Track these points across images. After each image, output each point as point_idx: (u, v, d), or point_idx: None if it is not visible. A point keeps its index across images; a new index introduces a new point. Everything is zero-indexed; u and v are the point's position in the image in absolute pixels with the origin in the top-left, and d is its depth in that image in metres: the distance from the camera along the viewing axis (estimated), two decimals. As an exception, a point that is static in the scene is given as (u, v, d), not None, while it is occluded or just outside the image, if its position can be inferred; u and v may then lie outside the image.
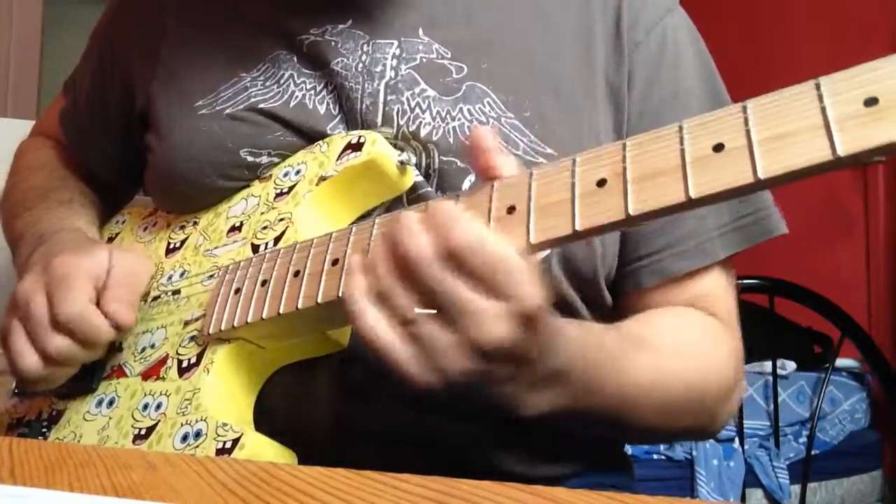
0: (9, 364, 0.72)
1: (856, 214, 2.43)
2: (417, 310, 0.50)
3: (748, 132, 0.43)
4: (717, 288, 0.74)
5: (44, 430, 0.75)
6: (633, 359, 0.65)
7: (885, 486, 2.15)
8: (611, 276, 0.74)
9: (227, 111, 0.75)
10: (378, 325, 0.52)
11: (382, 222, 0.59)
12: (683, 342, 0.70)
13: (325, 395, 0.69)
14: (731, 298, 0.76)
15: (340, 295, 0.57)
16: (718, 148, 0.44)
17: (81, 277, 0.70)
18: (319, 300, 0.59)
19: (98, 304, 0.71)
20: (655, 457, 1.82)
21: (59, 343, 0.69)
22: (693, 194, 0.44)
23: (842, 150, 0.40)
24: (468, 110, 0.71)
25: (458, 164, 0.70)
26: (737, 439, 1.80)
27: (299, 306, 0.60)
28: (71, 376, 0.73)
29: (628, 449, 1.76)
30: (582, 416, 0.63)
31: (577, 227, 0.49)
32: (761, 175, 0.42)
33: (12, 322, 0.71)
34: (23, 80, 2.37)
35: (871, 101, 0.40)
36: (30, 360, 0.69)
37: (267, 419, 0.68)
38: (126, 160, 0.90)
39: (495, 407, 0.57)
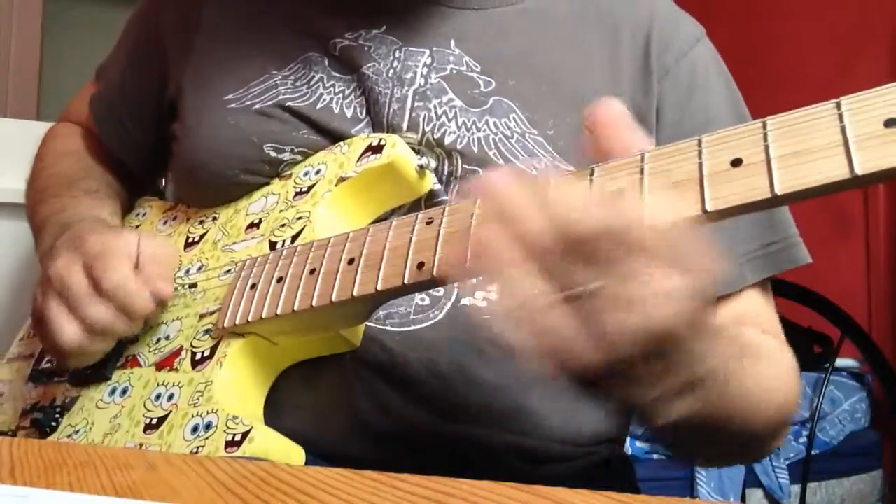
0: (46, 341, 0.73)
1: (856, 215, 2.43)
2: (592, 284, 0.44)
3: (767, 148, 0.43)
4: (756, 306, 0.74)
5: (57, 416, 0.76)
6: (753, 365, 0.60)
7: (885, 486, 2.15)
8: None
9: (256, 106, 0.76)
10: (537, 302, 0.45)
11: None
12: (769, 352, 0.69)
13: (336, 392, 0.70)
14: (775, 316, 0.76)
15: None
16: (737, 162, 0.44)
17: (118, 253, 0.71)
18: (334, 299, 0.59)
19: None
20: (655, 457, 1.81)
21: (100, 311, 0.70)
22: (709, 207, 0.44)
23: (860, 170, 0.40)
24: (494, 123, 0.72)
25: (481, 172, 0.70)
26: (736, 438, 1.79)
27: (314, 304, 0.60)
28: (95, 360, 0.74)
29: (628, 449, 1.76)
30: (706, 427, 0.56)
31: None
32: (778, 191, 0.42)
33: (48, 300, 0.72)
34: (23, 80, 2.37)
35: (891, 122, 0.40)
36: (70, 330, 0.70)
37: (277, 414, 0.68)
38: (153, 148, 0.90)
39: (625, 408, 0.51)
